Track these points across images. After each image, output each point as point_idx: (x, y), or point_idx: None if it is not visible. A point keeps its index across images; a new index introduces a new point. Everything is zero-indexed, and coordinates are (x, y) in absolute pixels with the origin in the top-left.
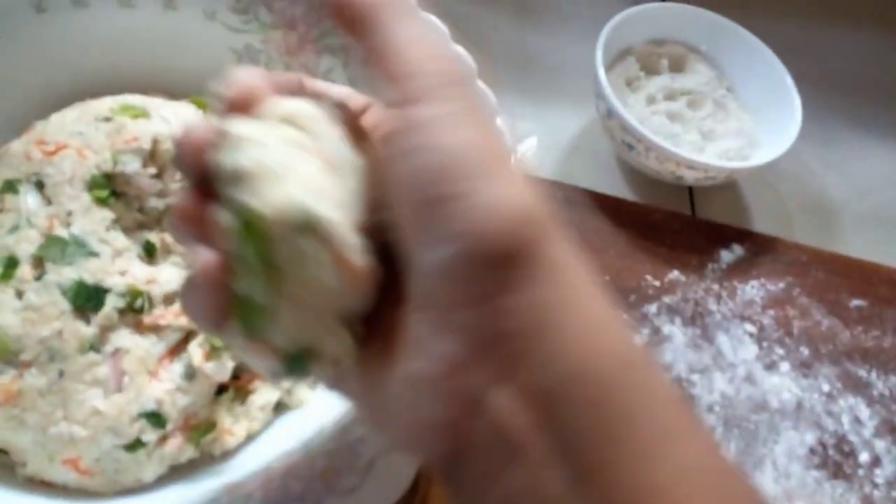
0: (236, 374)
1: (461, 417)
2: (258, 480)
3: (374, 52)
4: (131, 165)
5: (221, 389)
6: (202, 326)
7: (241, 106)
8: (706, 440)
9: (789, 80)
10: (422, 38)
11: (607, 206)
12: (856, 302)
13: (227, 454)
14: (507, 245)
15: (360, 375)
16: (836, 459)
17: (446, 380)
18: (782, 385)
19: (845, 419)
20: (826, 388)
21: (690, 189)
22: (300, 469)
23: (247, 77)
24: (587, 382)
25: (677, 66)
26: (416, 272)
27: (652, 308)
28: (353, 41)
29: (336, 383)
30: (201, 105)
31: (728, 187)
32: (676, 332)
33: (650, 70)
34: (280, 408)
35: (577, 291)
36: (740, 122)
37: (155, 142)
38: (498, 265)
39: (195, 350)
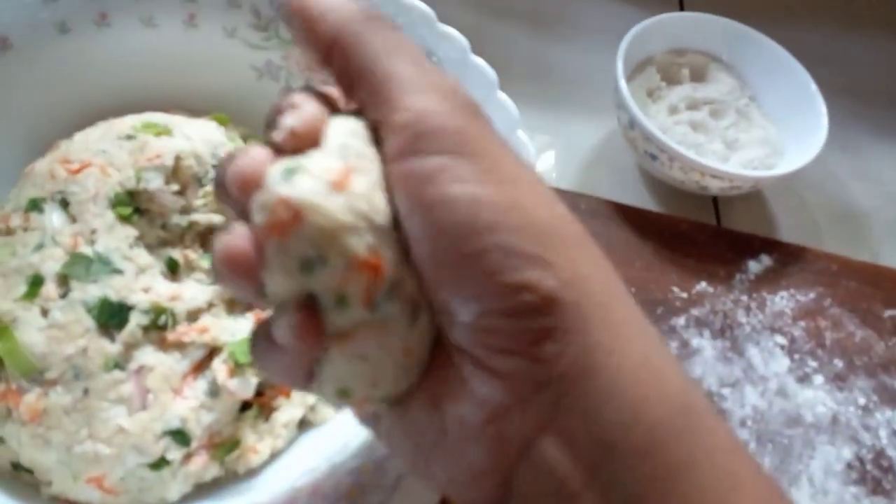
0: (260, 391)
1: (507, 465)
2: (284, 501)
3: (363, 91)
4: (154, 182)
5: (245, 406)
6: (287, 384)
7: (308, 138)
8: (769, 486)
9: (814, 87)
10: (417, 72)
11: (631, 217)
12: (890, 312)
13: (252, 472)
14: (545, 292)
15: (404, 421)
16: (874, 475)
17: (491, 425)
18: (816, 398)
19: (883, 433)
20: (862, 401)
21: (715, 199)
22: (326, 488)
23: (312, 108)
24: (638, 431)
25: (698, 76)
26: (453, 323)
27: (680, 321)
28: (329, 74)
29: (376, 428)
30: (223, 122)
31: (753, 197)
32: (706, 344)
33: (671, 80)
34: (304, 424)
35: (625, 332)
36: (764, 131)
37: (177, 158)
38: (538, 313)
39: (219, 367)
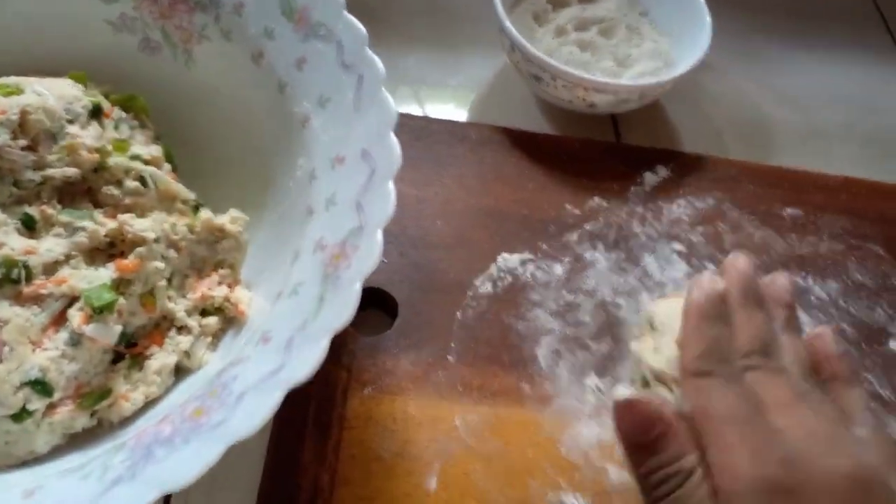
0: (133, 342)
1: None
2: (133, 435)
3: None
4: (0, 138)
5: (119, 358)
6: None
7: None
8: None
9: None
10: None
11: (523, 141)
12: (789, 211)
13: (126, 421)
14: None
15: None
16: None
17: None
18: None
19: None
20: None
21: (615, 119)
22: (174, 415)
23: None
24: None
25: None
26: None
27: (573, 236)
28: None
29: None
30: (80, 79)
31: (653, 112)
32: (599, 257)
33: (559, 3)
34: (181, 371)
35: None
36: (656, 44)
37: (24, 113)
38: None
39: (74, 314)
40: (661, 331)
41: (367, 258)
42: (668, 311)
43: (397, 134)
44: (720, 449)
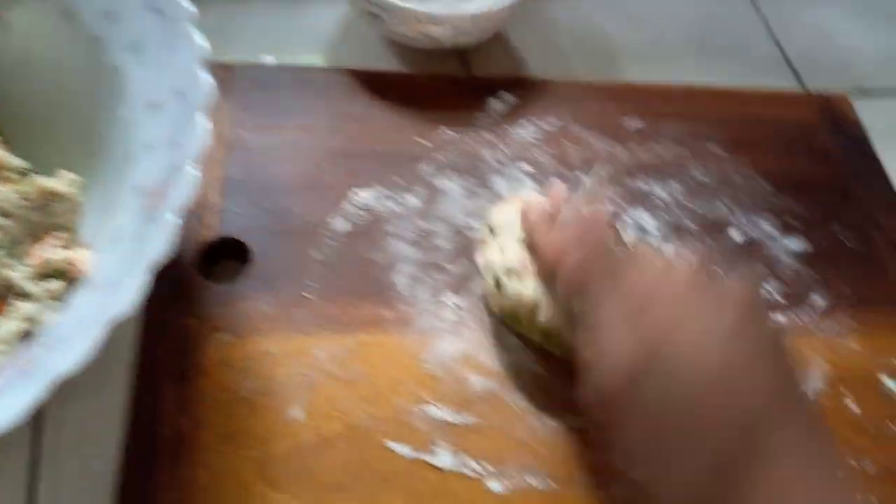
0: None
1: None
2: None
3: None
4: None
5: None
6: None
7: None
8: None
9: None
10: None
11: (369, 80)
12: (632, 122)
13: None
14: None
15: None
16: None
17: None
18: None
19: (630, 231)
20: (609, 206)
21: (463, 52)
22: (5, 369)
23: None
24: None
25: None
26: None
27: (425, 167)
28: None
29: None
30: None
31: (500, 43)
32: (451, 185)
33: None
34: (30, 336)
35: None
36: None
37: None
38: None
39: None
40: (500, 233)
41: (183, 192)
42: (504, 215)
43: (242, 84)
44: (598, 286)
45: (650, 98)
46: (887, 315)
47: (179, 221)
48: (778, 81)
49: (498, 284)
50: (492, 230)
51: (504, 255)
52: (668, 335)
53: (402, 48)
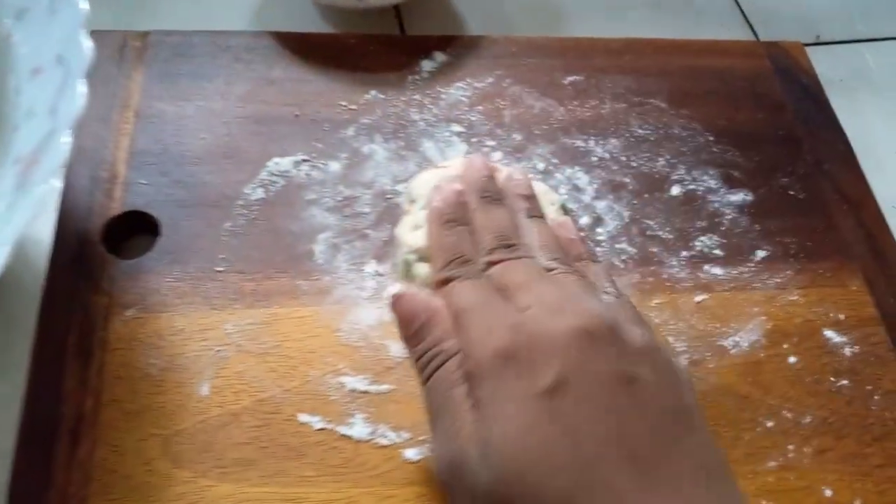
0: None
1: None
2: None
3: None
4: None
5: None
6: None
7: None
8: None
9: None
10: None
11: (292, 43)
12: (571, 78)
13: None
14: None
15: None
16: None
17: None
18: None
19: (563, 189)
20: (541, 165)
21: (398, 12)
22: None
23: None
24: None
25: None
26: None
27: (349, 131)
28: None
29: None
30: None
31: (437, 2)
32: (377, 148)
33: None
34: None
35: None
36: None
37: None
38: None
39: None
40: (419, 203)
41: (55, 157)
42: (425, 183)
43: (158, 52)
44: (465, 335)
45: (591, 53)
46: (832, 267)
47: (52, 189)
48: (732, 34)
49: (408, 266)
50: (411, 199)
51: (417, 233)
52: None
53: (334, 11)
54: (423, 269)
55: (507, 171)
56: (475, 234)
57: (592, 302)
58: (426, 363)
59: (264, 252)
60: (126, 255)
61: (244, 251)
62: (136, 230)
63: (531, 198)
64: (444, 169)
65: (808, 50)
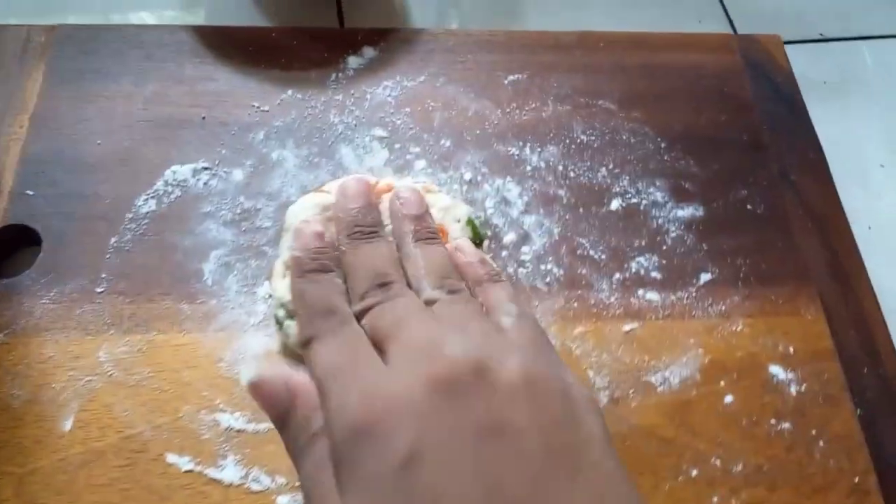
0: None
1: None
2: None
3: None
4: None
5: None
6: None
7: None
8: None
9: None
10: None
11: (208, 37)
12: (512, 77)
13: None
14: None
15: None
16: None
17: None
18: (416, 183)
19: (490, 202)
20: (469, 175)
21: (339, 6)
22: None
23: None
24: None
25: None
26: None
27: (259, 135)
28: None
29: None
30: None
31: None
32: (288, 155)
33: None
34: None
35: None
36: None
37: None
38: None
39: None
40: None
41: None
42: (302, 211)
43: (62, 48)
44: (326, 408)
45: (538, 48)
46: (786, 292)
47: None
48: (709, 29)
49: (279, 325)
50: (286, 230)
51: (287, 281)
52: None
53: (271, 2)
54: (293, 328)
55: (395, 189)
56: (348, 278)
57: (458, 341)
58: (296, 451)
59: (149, 272)
60: (7, 272)
61: (127, 270)
62: (20, 244)
63: (420, 218)
64: (323, 194)
65: (797, 48)
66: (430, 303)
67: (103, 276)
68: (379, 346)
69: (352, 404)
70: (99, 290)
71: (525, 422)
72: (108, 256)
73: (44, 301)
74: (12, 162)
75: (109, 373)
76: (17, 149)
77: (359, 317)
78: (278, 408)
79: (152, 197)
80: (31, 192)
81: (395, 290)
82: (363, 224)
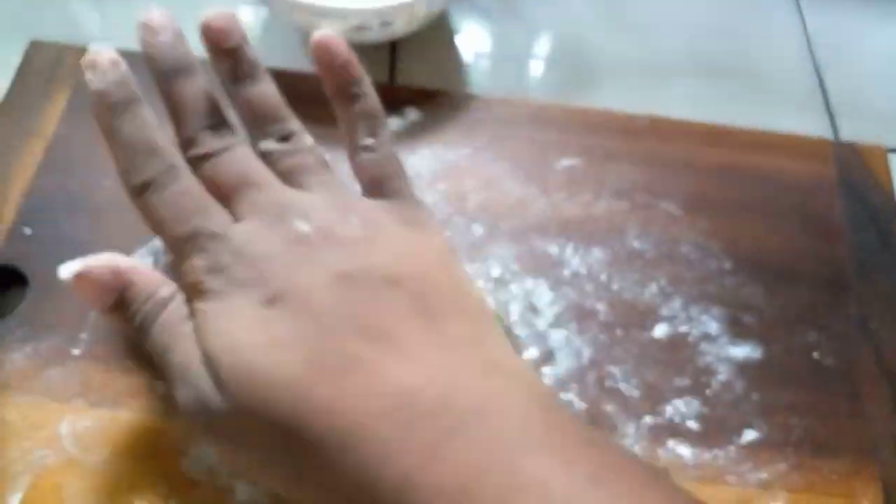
0: None
1: None
2: None
3: None
4: None
5: None
6: None
7: None
8: None
9: None
10: None
11: None
12: (568, 162)
13: None
14: None
15: None
16: None
17: None
18: None
19: (514, 307)
20: (497, 271)
21: (393, 51)
22: None
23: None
24: None
25: None
26: None
27: None
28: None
29: None
30: None
31: (432, 45)
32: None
33: None
34: None
35: None
36: None
37: None
38: None
39: None
40: None
41: None
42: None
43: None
44: (184, 262)
45: (601, 129)
46: (842, 468)
47: None
48: (803, 126)
49: None
50: None
51: None
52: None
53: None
54: None
55: (204, 19)
56: (172, 119)
57: (302, 208)
58: (143, 320)
59: (130, 340)
60: None
61: (108, 334)
62: (10, 284)
63: (235, 50)
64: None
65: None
66: (264, 156)
67: (82, 336)
68: (222, 201)
69: (225, 262)
70: (75, 351)
71: (387, 268)
72: (92, 315)
73: (15, 355)
74: (16, 194)
75: (67, 449)
76: (24, 178)
77: (192, 164)
78: (110, 295)
79: (149, 252)
80: (28, 231)
81: (229, 139)
82: (178, 58)
